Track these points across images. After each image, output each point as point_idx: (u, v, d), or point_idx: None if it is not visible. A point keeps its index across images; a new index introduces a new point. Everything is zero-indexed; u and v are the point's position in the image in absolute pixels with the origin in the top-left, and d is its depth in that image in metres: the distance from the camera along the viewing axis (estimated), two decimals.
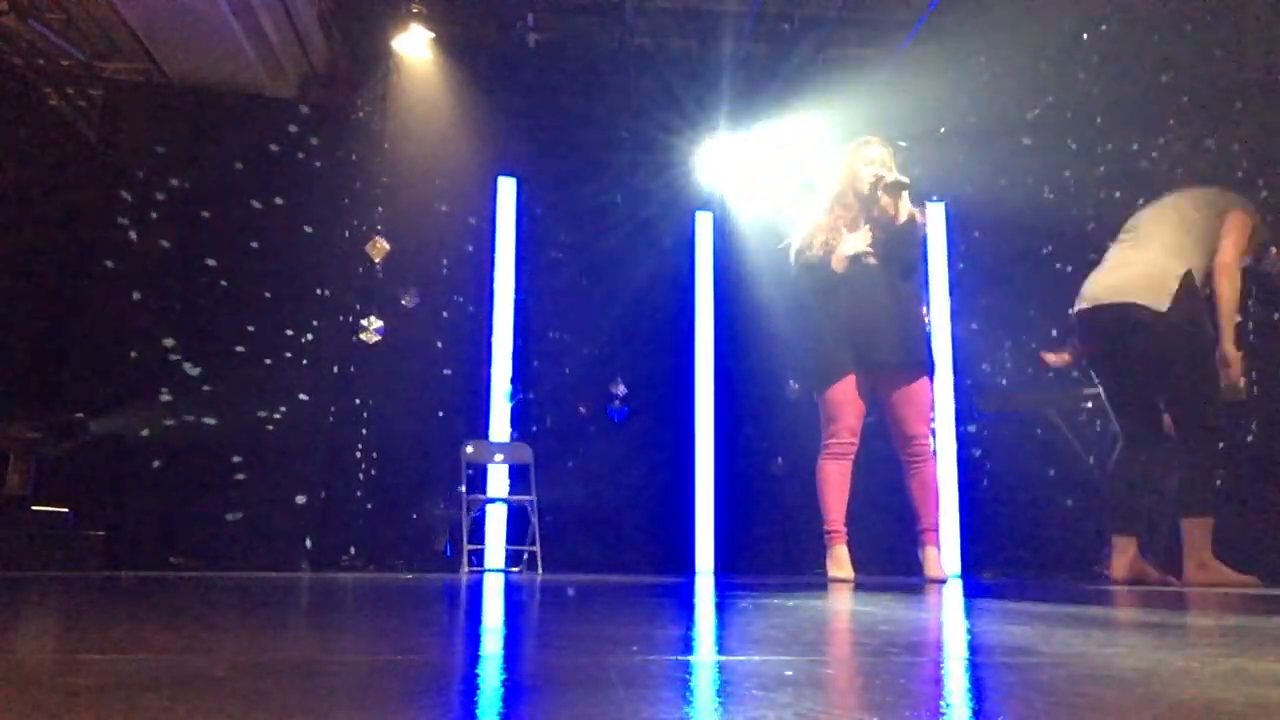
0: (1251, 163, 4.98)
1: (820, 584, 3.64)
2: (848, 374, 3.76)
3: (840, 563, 3.79)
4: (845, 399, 3.78)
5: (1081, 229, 5.60)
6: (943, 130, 5.78)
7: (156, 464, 5.19)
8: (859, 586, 3.43)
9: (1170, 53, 5.36)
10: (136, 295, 5.34)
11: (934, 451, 4.01)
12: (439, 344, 5.86)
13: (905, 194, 3.77)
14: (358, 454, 5.55)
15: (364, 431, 5.59)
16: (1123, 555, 3.62)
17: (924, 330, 3.94)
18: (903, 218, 3.77)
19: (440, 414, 5.78)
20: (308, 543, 5.36)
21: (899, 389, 3.79)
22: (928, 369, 3.85)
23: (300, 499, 5.39)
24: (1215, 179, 4.18)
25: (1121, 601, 2.52)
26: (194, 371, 5.35)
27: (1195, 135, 5.21)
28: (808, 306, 3.92)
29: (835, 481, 3.80)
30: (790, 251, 3.99)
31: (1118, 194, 5.47)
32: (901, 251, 3.83)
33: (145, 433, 5.18)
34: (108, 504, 5.01)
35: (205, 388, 5.34)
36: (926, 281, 5.98)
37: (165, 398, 5.26)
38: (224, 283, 5.49)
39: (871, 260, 3.80)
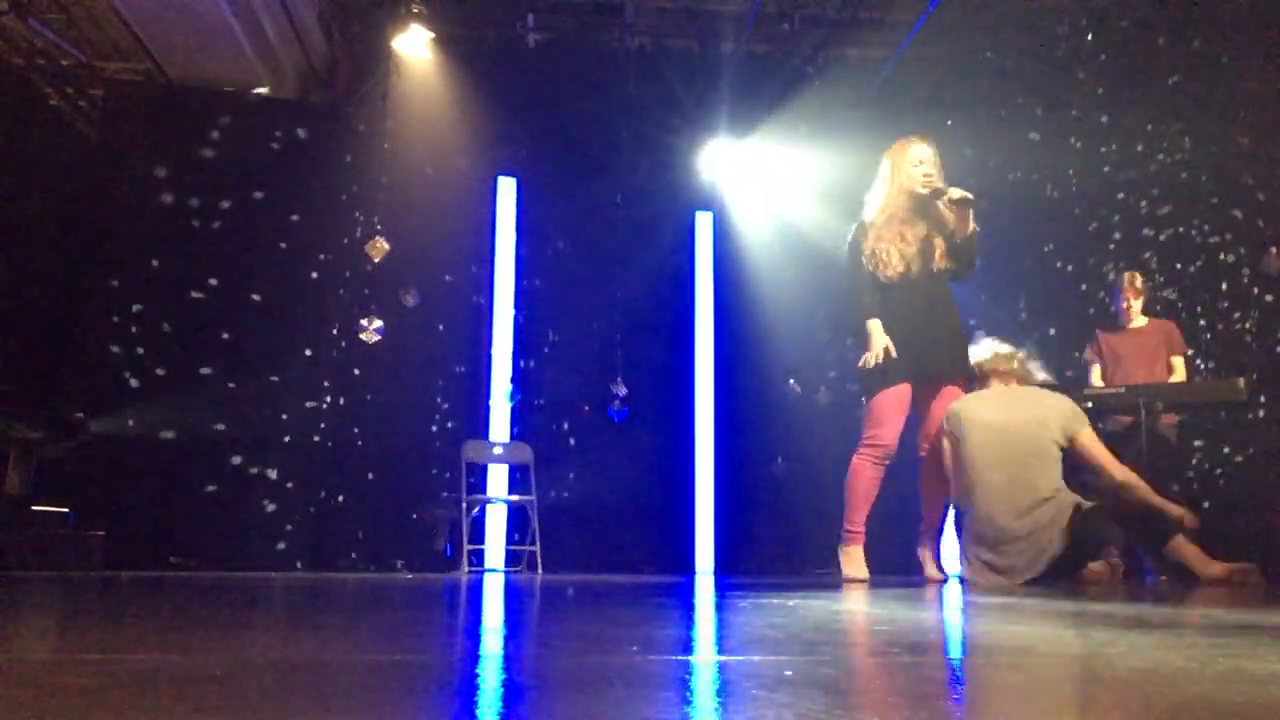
0: (1254, 164, 4.97)
1: (818, 583, 3.63)
2: (901, 383, 3.71)
3: (856, 563, 3.76)
4: (895, 408, 3.71)
5: (1084, 228, 5.60)
6: (950, 123, 5.77)
7: (156, 464, 5.19)
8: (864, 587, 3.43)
9: (1176, 54, 5.36)
10: (136, 295, 5.34)
11: None
12: (439, 344, 5.85)
13: (971, 210, 3.72)
14: (358, 454, 5.55)
15: (364, 431, 5.58)
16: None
17: (967, 340, 3.90)
18: (967, 231, 3.72)
19: (440, 414, 5.78)
20: (308, 543, 5.36)
21: (939, 393, 3.77)
22: (969, 377, 3.83)
23: (300, 499, 5.38)
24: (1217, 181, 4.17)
25: (1122, 601, 2.52)
26: (194, 371, 5.35)
27: (1200, 136, 5.21)
28: (858, 308, 3.82)
29: (866, 483, 3.74)
30: (848, 252, 3.89)
31: (1120, 194, 5.47)
32: (957, 265, 3.79)
33: (145, 433, 5.18)
34: (108, 504, 5.00)
35: (205, 387, 5.34)
36: None
37: (165, 398, 5.26)
38: (223, 282, 5.49)
39: (933, 268, 3.75)
